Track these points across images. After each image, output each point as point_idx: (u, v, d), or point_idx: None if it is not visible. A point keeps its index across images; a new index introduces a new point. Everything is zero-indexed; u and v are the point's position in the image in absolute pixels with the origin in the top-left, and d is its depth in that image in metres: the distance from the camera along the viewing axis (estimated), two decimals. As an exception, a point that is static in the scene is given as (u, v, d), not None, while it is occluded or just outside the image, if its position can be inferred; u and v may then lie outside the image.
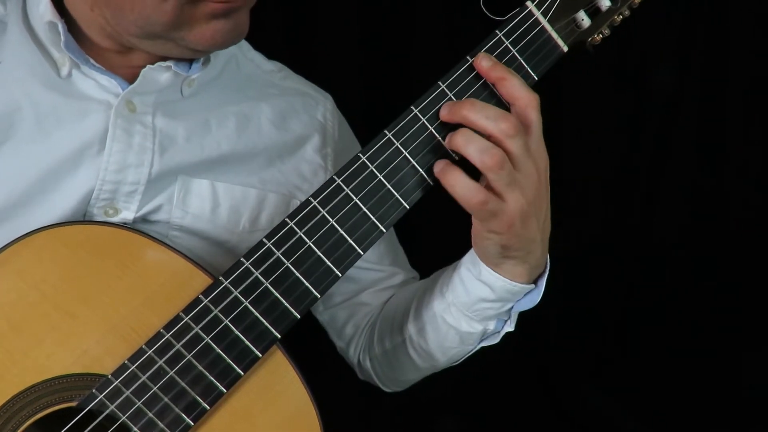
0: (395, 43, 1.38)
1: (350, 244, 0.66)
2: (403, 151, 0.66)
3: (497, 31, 0.68)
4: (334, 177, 0.65)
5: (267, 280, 0.65)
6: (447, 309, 0.77)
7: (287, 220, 0.65)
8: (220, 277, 0.65)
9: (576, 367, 1.57)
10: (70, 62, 0.71)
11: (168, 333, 0.63)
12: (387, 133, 0.66)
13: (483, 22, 0.68)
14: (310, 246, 0.65)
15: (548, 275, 0.74)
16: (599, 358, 1.59)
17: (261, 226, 0.80)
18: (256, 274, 0.65)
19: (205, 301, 0.64)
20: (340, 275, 0.66)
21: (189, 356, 0.63)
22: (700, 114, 1.53)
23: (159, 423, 0.63)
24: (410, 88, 0.71)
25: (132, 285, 0.65)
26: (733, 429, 1.48)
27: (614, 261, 1.58)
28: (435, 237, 1.24)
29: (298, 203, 0.74)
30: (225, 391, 0.64)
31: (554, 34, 0.69)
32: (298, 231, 0.65)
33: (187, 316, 0.64)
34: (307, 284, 0.65)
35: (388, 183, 0.66)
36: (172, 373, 0.63)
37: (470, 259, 0.74)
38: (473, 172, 0.64)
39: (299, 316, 0.66)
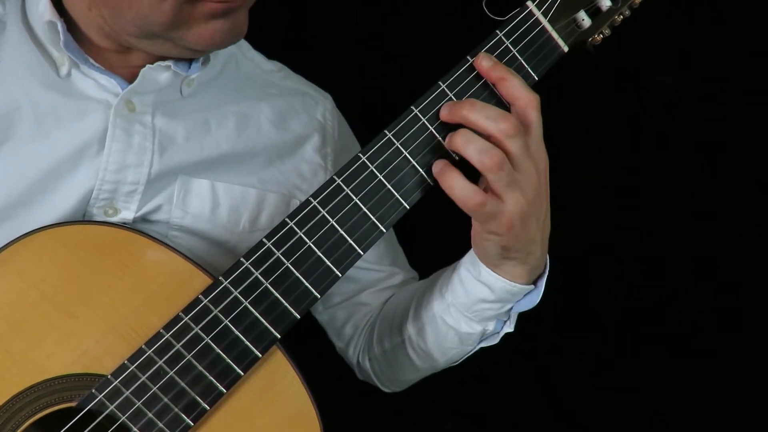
0: (395, 43, 1.38)
1: (350, 244, 0.66)
2: (404, 151, 0.66)
3: (498, 31, 0.68)
4: (334, 177, 0.65)
5: (267, 280, 0.65)
6: (446, 310, 0.77)
7: (287, 220, 0.65)
8: (220, 277, 0.65)
9: (576, 367, 1.57)
10: (69, 62, 0.71)
11: (168, 333, 0.63)
12: (387, 133, 0.66)
13: (483, 22, 0.68)
14: (310, 246, 0.65)
15: (548, 275, 0.74)
16: (599, 358, 1.59)
17: (261, 226, 0.80)
18: (256, 274, 0.65)
19: (205, 301, 0.64)
20: (340, 275, 0.66)
21: (189, 356, 0.63)
22: (701, 114, 1.53)
23: (159, 423, 0.63)
24: (410, 88, 0.71)
25: (132, 285, 0.65)
26: (733, 429, 1.48)
27: (614, 261, 1.58)
28: (435, 237, 1.24)
29: (298, 203, 0.74)
30: (225, 391, 0.64)
31: (555, 34, 0.69)
32: (298, 231, 0.65)
33: (186, 316, 0.64)
34: (307, 284, 0.65)
35: (388, 183, 0.66)
36: (171, 373, 0.63)
37: (470, 259, 0.74)
38: (473, 173, 0.64)
39: (299, 317, 0.66)
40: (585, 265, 1.55)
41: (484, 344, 0.79)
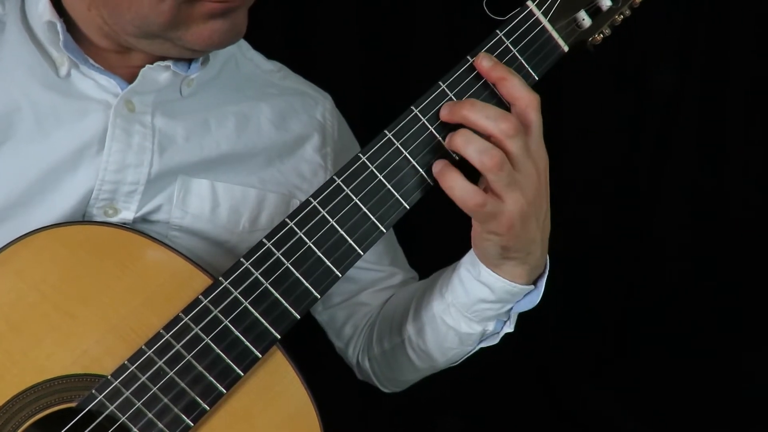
0: (395, 43, 1.38)
1: (350, 245, 0.66)
2: (404, 151, 0.66)
3: (498, 31, 0.68)
4: (334, 177, 0.65)
5: (267, 281, 0.65)
6: (446, 310, 0.77)
7: (287, 220, 0.65)
8: (220, 278, 0.64)
9: (576, 367, 1.57)
10: (68, 62, 0.71)
11: (168, 333, 0.63)
12: (387, 133, 0.66)
13: (483, 21, 0.68)
14: (310, 246, 0.65)
15: (548, 276, 0.74)
16: (599, 358, 1.59)
17: (261, 226, 0.79)
18: (256, 274, 0.64)
19: (205, 301, 0.64)
20: (340, 275, 0.66)
21: (189, 357, 0.63)
22: (701, 114, 1.53)
23: (158, 423, 0.63)
24: (410, 88, 0.71)
25: (131, 285, 0.65)
26: (733, 429, 1.48)
27: (614, 261, 1.58)
28: (435, 237, 1.24)
29: (298, 203, 0.74)
30: (225, 391, 0.64)
31: (555, 34, 0.69)
32: (298, 231, 0.65)
33: (186, 317, 0.64)
34: (307, 284, 0.65)
35: (389, 183, 0.66)
36: (171, 373, 0.63)
37: (470, 259, 0.74)
38: (473, 173, 0.64)
39: (299, 317, 0.66)
40: (585, 265, 1.55)
41: (483, 344, 0.79)
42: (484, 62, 0.66)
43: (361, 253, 0.66)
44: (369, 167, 0.65)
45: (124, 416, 0.62)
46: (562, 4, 0.69)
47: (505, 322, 0.78)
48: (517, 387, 1.52)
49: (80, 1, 0.69)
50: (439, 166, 0.65)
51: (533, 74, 0.69)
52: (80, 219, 0.71)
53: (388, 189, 0.66)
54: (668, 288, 1.60)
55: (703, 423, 1.48)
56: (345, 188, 0.65)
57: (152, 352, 0.63)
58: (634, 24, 0.76)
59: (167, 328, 0.63)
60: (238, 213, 0.78)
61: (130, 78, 0.72)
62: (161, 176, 0.74)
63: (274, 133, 0.82)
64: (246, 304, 0.64)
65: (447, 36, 1.39)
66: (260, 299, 0.65)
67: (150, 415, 0.63)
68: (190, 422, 0.63)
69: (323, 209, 0.65)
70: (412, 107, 0.66)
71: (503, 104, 0.67)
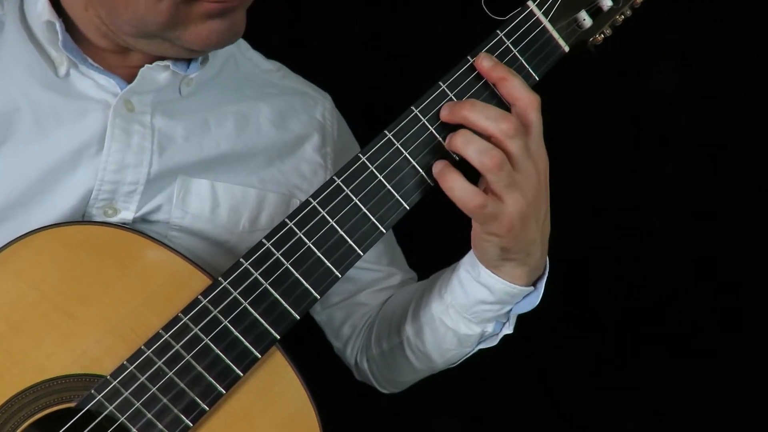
0: (395, 43, 1.38)
1: (350, 245, 0.66)
2: (404, 151, 0.66)
3: (498, 31, 0.68)
4: (334, 177, 0.65)
5: (266, 281, 0.65)
6: (445, 311, 0.76)
7: (287, 220, 0.65)
8: (220, 278, 0.64)
9: (576, 367, 1.57)
10: (68, 61, 0.71)
11: (167, 333, 0.63)
12: (387, 133, 0.66)
13: (483, 22, 0.68)
14: (309, 247, 0.65)
15: (548, 276, 0.74)
16: (599, 358, 1.59)
17: (261, 226, 0.79)
18: (256, 274, 0.64)
19: (205, 301, 0.64)
20: (340, 276, 0.66)
21: (188, 357, 0.63)
22: (701, 114, 1.53)
23: (158, 424, 0.63)
24: (410, 88, 0.71)
25: (131, 285, 0.65)
26: (733, 429, 1.48)
27: (614, 261, 1.58)
28: (434, 238, 1.24)
29: (298, 203, 0.74)
30: (224, 392, 0.64)
31: (555, 34, 0.69)
32: (297, 232, 0.65)
33: (186, 317, 0.63)
34: (307, 285, 0.65)
35: (389, 184, 0.66)
36: (171, 373, 0.63)
37: (469, 260, 0.74)
38: (474, 173, 0.64)
39: (299, 317, 0.66)
40: (585, 265, 1.55)
41: (482, 346, 0.79)
42: (485, 62, 0.66)
43: (361, 254, 0.66)
44: (369, 167, 0.65)
45: (123, 416, 0.62)
46: (563, 4, 0.69)
47: (504, 323, 0.77)
48: (517, 387, 1.52)
49: (77, 1, 0.69)
50: (439, 167, 0.65)
51: (534, 74, 0.69)
52: (80, 219, 0.71)
53: (388, 189, 0.66)
54: (668, 288, 1.60)
55: (703, 423, 1.48)
56: (345, 188, 0.65)
57: (151, 352, 0.63)
58: (635, 24, 0.76)
59: (166, 328, 0.63)
60: (238, 213, 0.78)
61: (129, 78, 0.72)
62: (161, 176, 0.74)
63: (274, 133, 0.82)
64: (245, 304, 0.64)
65: (447, 36, 1.39)
66: (260, 299, 0.64)
67: (149, 415, 0.62)
68: (189, 422, 0.63)
69: (323, 209, 0.65)
70: (413, 107, 0.66)
71: (504, 105, 0.66)
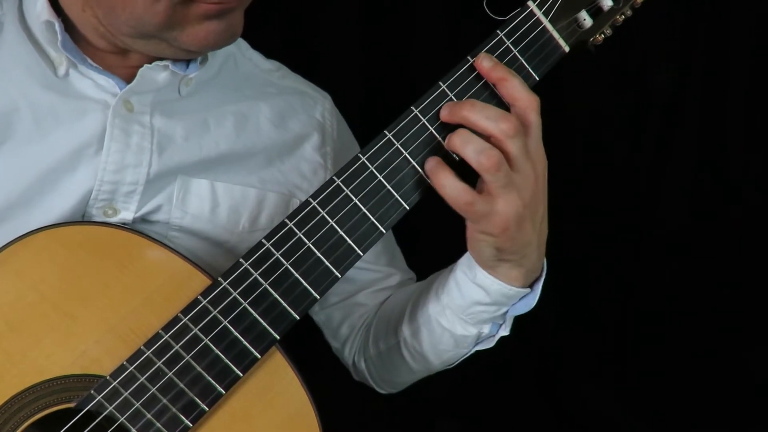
0: (395, 43, 1.38)
1: (350, 245, 0.66)
2: (404, 151, 0.66)
3: (498, 31, 0.68)
4: (334, 177, 0.65)
5: (266, 281, 0.65)
6: (442, 312, 0.76)
7: (286, 220, 0.65)
8: (219, 278, 0.64)
9: (576, 367, 1.57)
10: (67, 62, 0.71)
11: (167, 334, 0.63)
12: (387, 133, 0.66)
13: (484, 22, 0.68)
14: (309, 247, 0.65)
15: (547, 275, 0.74)
16: (599, 358, 1.58)
17: (261, 225, 0.79)
18: (255, 275, 0.64)
19: (204, 301, 0.64)
20: (340, 276, 0.66)
21: (188, 357, 0.63)
22: (702, 114, 1.53)
23: (157, 424, 0.63)
24: (410, 88, 0.71)
25: (131, 285, 0.65)
26: (734, 428, 1.48)
27: (614, 261, 1.58)
28: (434, 238, 1.24)
29: (298, 203, 0.74)
30: (224, 392, 0.64)
31: (556, 34, 0.69)
32: (297, 232, 0.65)
33: (185, 317, 0.63)
34: (306, 285, 0.65)
35: (388, 184, 0.66)
36: (170, 374, 0.63)
37: (466, 261, 0.74)
38: (474, 173, 0.64)
39: (298, 317, 0.66)
40: (585, 265, 1.55)
41: (479, 347, 0.79)
42: (485, 62, 0.66)
43: (361, 254, 0.66)
44: (369, 168, 0.65)
45: (122, 417, 0.62)
46: (563, 4, 0.69)
47: (501, 325, 0.77)
48: (517, 387, 1.52)
49: (75, 1, 0.69)
50: (431, 164, 0.65)
51: (534, 75, 0.69)
52: (79, 219, 0.71)
53: (388, 189, 0.66)
54: (668, 288, 1.60)
55: (703, 422, 1.48)
56: (345, 189, 0.65)
57: (151, 352, 0.63)
58: (635, 24, 0.76)
59: (166, 328, 0.63)
60: (237, 213, 0.78)
61: (128, 78, 0.72)
62: (160, 176, 0.74)
63: (274, 133, 0.82)
64: (245, 304, 0.64)
65: (447, 36, 1.39)
66: (259, 300, 0.64)
67: (149, 415, 0.62)
68: (188, 423, 0.63)
69: (323, 210, 0.65)
70: (412, 107, 0.66)
71: (503, 105, 0.66)
